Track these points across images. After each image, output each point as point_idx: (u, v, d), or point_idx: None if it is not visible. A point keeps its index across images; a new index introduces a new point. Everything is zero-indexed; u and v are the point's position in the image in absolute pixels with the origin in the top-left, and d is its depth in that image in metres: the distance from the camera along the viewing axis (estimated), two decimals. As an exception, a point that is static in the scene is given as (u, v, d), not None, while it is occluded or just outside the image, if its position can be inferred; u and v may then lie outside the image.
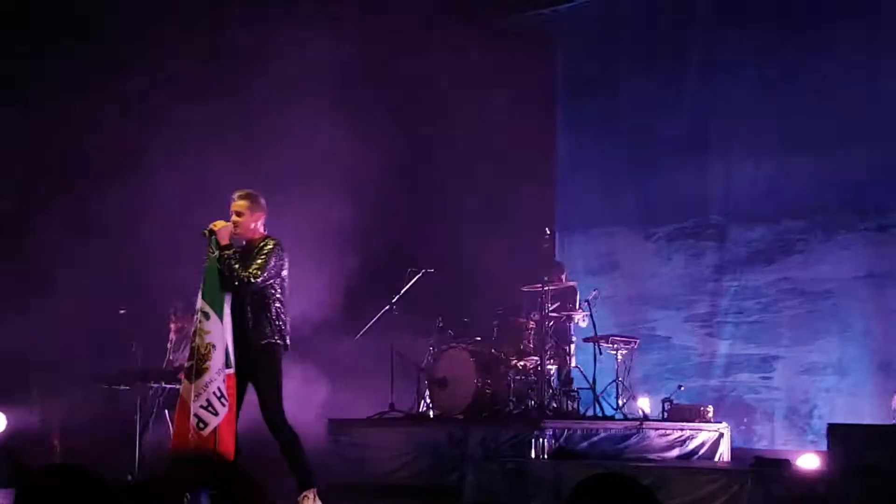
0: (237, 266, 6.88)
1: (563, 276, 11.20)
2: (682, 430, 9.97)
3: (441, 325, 10.85)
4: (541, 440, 8.91)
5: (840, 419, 10.06)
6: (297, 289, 7.37)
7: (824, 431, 8.48)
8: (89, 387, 10.23)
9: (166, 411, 10.02)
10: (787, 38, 11.96)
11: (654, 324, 12.49)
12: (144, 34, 11.94)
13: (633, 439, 9.64)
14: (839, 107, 11.47)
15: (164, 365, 10.86)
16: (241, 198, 7.17)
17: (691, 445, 9.95)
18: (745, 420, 11.61)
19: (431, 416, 10.52)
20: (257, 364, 7.03)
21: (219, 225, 7.00)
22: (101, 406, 10.18)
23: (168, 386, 9.72)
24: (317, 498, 7.01)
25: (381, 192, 12.74)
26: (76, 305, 11.33)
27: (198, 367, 6.76)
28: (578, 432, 9.38)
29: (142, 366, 10.69)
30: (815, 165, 11.60)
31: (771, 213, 11.90)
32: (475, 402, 10.09)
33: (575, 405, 10.56)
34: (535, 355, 10.36)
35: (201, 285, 6.91)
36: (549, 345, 10.44)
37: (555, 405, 10.30)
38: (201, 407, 6.68)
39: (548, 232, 11.09)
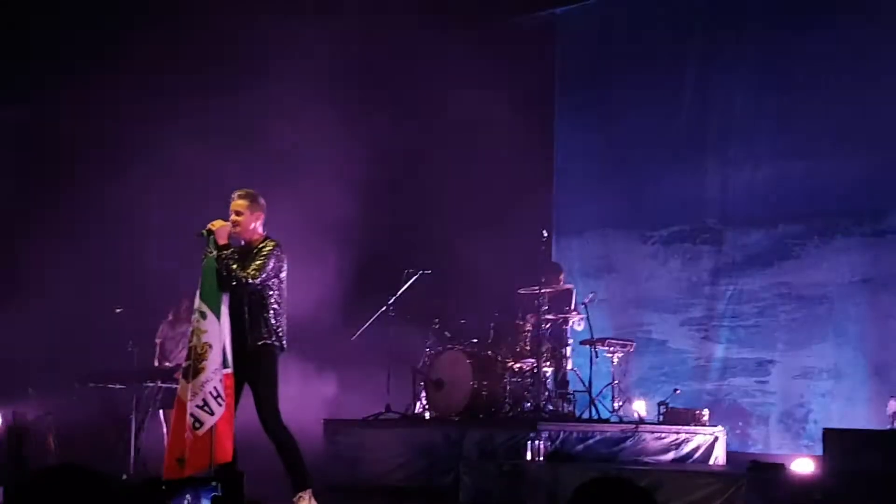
0: (235, 266, 6.88)
1: (561, 278, 11.20)
2: (677, 433, 9.98)
3: (437, 326, 10.85)
4: (536, 442, 8.90)
5: (835, 424, 10.09)
6: (295, 289, 7.36)
7: (819, 436, 8.53)
8: (85, 385, 10.23)
9: (162, 411, 10.04)
10: (785, 43, 11.98)
11: (650, 327, 12.50)
12: (141, 29, 11.97)
13: (629, 442, 9.65)
14: (836, 112, 11.48)
15: (156, 363, 10.87)
16: (240, 197, 7.17)
17: (687, 449, 9.96)
18: (741, 424, 11.62)
19: (427, 417, 10.52)
20: (254, 365, 7.03)
21: (217, 224, 6.99)
22: (96, 405, 10.17)
23: (164, 385, 9.72)
24: (312, 498, 7.00)
25: (378, 193, 12.75)
26: (72, 304, 11.34)
27: (195, 366, 6.75)
28: (574, 435, 9.38)
29: (138, 365, 10.70)
30: (812, 170, 11.61)
31: (768, 218, 11.91)
32: (471, 404, 10.10)
33: (571, 408, 10.57)
34: (532, 357, 10.36)
35: (199, 285, 6.91)
36: (546, 347, 10.44)
37: (551, 407, 10.30)
38: (197, 406, 6.67)
39: (545, 234, 11.11)
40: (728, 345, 11.99)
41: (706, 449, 10.07)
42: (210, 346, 6.76)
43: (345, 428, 10.15)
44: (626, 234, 12.91)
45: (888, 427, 9.68)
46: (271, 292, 7.07)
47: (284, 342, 7.15)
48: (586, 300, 10.88)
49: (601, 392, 10.60)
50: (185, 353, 7.24)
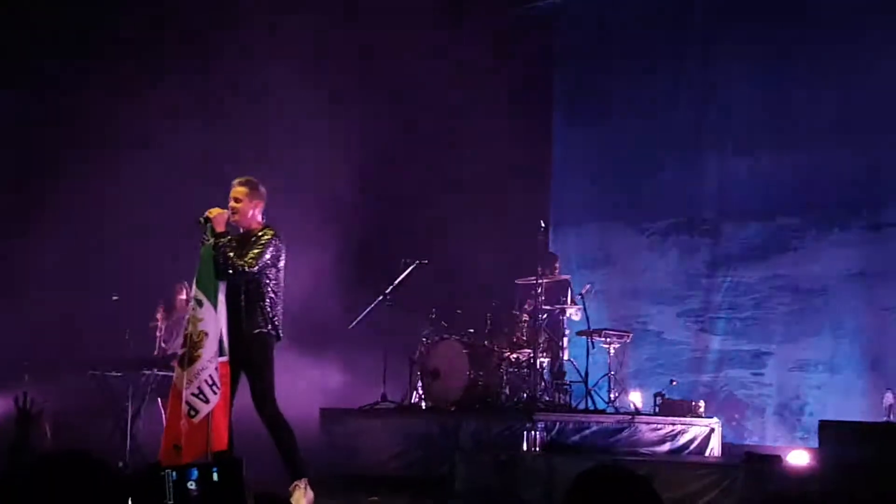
0: (232, 254, 6.87)
1: (556, 267, 11.20)
2: (673, 424, 9.99)
3: (434, 316, 10.84)
4: (532, 433, 8.92)
5: (831, 416, 10.09)
6: (292, 278, 7.36)
7: (815, 428, 8.54)
8: (82, 373, 10.22)
9: (158, 398, 10.03)
10: (783, 37, 11.97)
11: (646, 318, 12.51)
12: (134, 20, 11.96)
13: (625, 433, 9.66)
14: (834, 105, 11.50)
15: (156, 351, 10.87)
16: (240, 184, 7.15)
17: (682, 440, 9.97)
18: (737, 416, 11.64)
19: (423, 407, 10.52)
20: (249, 353, 7.02)
21: (215, 212, 6.98)
22: (93, 392, 10.16)
23: (160, 373, 9.71)
24: (308, 487, 7.00)
25: (377, 183, 12.75)
26: (69, 291, 11.33)
27: (190, 354, 6.75)
28: (570, 425, 9.39)
29: (135, 353, 10.69)
30: (810, 163, 11.62)
31: (765, 210, 11.92)
32: (467, 394, 10.10)
33: (567, 398, 10.57)
34: (528, 348, 10.36)
35: (196, 273, 6.90)
36: (543, 338, 10.45)
37: (547, 398, 10.30)
38: (193, 394, 6.67)
39: (542, 225, 11.10)
40: (724, 337, 12.00)
41: (702, 440, 10.09)
42: (206, 334, 6.75)
43: (341, 417, 10.15)
44: (624, 226, 12.91)
45: (884, 419, 9.69)
46: (268, 281, 7.06)
47: (280, 331, 7.15)
48: (583, 291, 10.88)
49: (597, 383, 10.60)
50: (181, 340, 7.22)
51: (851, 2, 11.65)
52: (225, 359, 6.83)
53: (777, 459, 8.26)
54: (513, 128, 12.79)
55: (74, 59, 12.02)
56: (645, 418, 10.03)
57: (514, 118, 12.86)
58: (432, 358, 10.47)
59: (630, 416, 9.95)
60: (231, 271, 6.87)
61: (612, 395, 10.61)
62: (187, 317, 6.97)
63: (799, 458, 8.99)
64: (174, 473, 3.59)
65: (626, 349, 11.14)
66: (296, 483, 6.96)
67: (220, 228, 6.92)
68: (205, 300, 6.82)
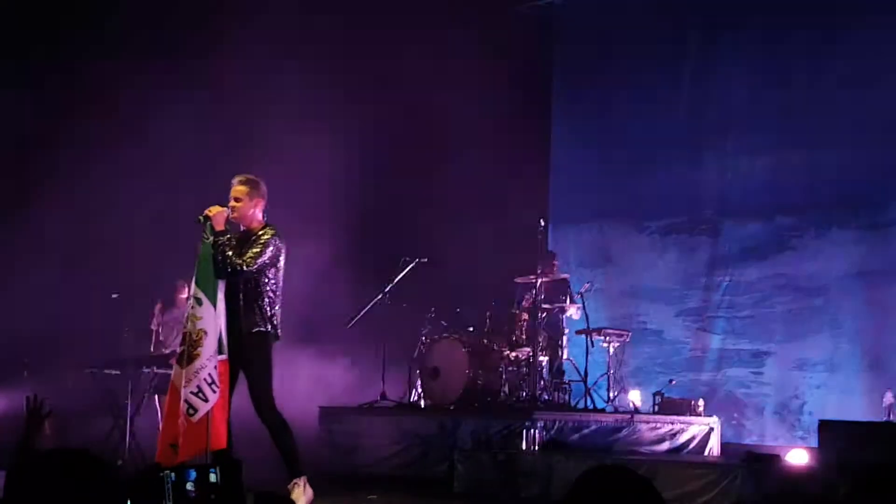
0: (230, 253, 6.85)
1: (555, 265, 11.20)
2: (672, 423, 9.99)
3: (433, 314, 10.84)
4: (532, 431, 8.92)
5: (830, 416, 10.09)
6: (291, 277, 7.35)
7: (814, 427, 8.56)
8: (80, 371, 10.22)
9: (157, 396, 10.02)
10: (783, 36, 11.97)
11: (646, 317, 12.50)
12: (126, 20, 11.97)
13: (624, 432, 9.66)
14: (834, 104, 11.49)
15: (152, 348, 10.86)
16: (241, 183, 7.13)
17: (682, 439, 9.97)
18: (736, 415, 11.64)
19: (423, 405, 10.52)
20: (248, 352, 7.01)
21: (214, 210, 6.96)
22: (92, 390, 10.16)
23: (159, 371, 9.71)
24: (307, 485, 7.00)
25: (375, 180, 12.74)
26: (68, 289, 11.32)
27: (189, 352, 6.74)
28: (569, 424, 9.39)
29: (134, 350, 10.69)
30: (809, 162, 11.61)
31: (765, 209, 11.91)
32: (466, 393, 10.10)
33: (566, 397, 10.58)
34: (528, 347, 10.36)
35: (195, 271, 6.89)
36: (542, 336, 10.44)
37: (546, 397, 10.31)
38: (192, 393, 6.65)
39: (541, 223, 11.10)
40: (724, 336, 12.00)
41: (701, 439, 10.08)
42: (205, 333, 6.74)
43: (340, 415, 10.14)
44: (623, 225, 12.90)
45: (883, 419, 9.69)
46: (267, 280, 7.05)
47: (279, 330, 7.13)
48: (582, 290, 10.88)
49: (597, 382, 10.60)
50: (179, 338, 7.21)
51: (850, 2, 11.64)
52: (224, 357, 6.82)
53: (776, 459, 8.26)
54: (512, 126, 12.79)
55: (68, 56, 12.01)
56: (644, 417, 10.03)
57: (514, 117, 12.86)
58: (432, 356, 10.47)
59: (629, 416, 9.95)
60: (230, 270, 6.86)
61: (611, 394, 10.60)
62: (186, 315, 6.95)
63: (798, 457, 8.99)
64: (173, 475, 3.59)
65: (625, 348, 11.13)
66: (295, 481, 6.95)
67: (219, 227, 6.91)
68: (204, 298, 6.81)
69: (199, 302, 6.81)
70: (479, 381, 10.20)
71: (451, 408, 10.02)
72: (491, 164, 12.49)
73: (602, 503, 2.74)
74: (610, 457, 8.79)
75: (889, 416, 9.74)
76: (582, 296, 10.83)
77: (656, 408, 10.45)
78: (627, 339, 11.14)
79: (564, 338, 11.00)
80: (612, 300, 12.58)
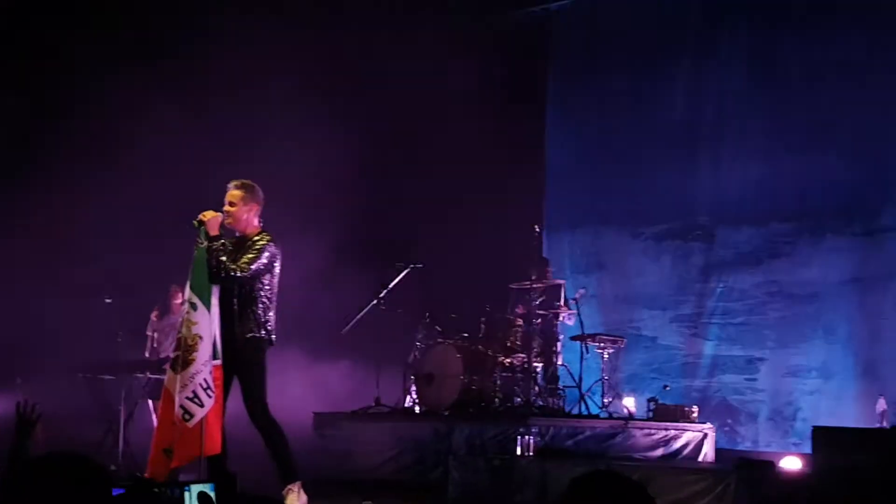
0: (225, 258, 6.85)
1: (548, 272, 11.21)
2: (666, 429, 9.98)
3: (428, 320, 10.84)
4: (526, 437, 8.91)
5: (824, 422, 10.11)
6: (285, 282, 7.34)
7: (808, 434, 8.55)
8: (74, 375, 10.20)
9: (150, 402, 10.01)
10: (778, 43, 12.00)
11: (640, 323, 12.51)
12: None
13: (618, 438, 9.66)
14: (828, 112, 11.51)
15: (147, 353, 10.85)
16: (236, 187, 7.12)
17: (676, 445, 9.96)
18: (730, 421, 11.64)
19: (417, 411, 10.52)
20: (242, 357, 7.00)
21: (208, 215, 6.95)
22: (85, 395, 10.14)
23: (153, 376, 9.70)
24: (301, 491, 6.99)
25: (370, 187, 12.74)
26: (61, 293, 11.31)
27: (184, 357, 6.73)
28: (564, 430, 9.39)
29: (127, 355, 10.68)
30: (804, 169, 11.64)
31: (759, 216, 11.93)
32: (461, 399, 10.10)
33: (561, 403, 10.58)
34: (522, 352, 10.36)
35: (189, 276, 6.88)
36: (536, 342, 10.44)
37: (541, 403, 10.31)
38: (187, 398, 6.64)
39: (536, 229, 11.12)
40: (718, 342, 12.01)
41: (695, 446, 10.08)
42: (200, 338, 6.73)
43: (334, 421, 10.14)
44: (618, 231, 12.91)
45: (877, 425, 9.70)
46: (262, 286, 7.04)
47: (273, 336, 7.13)
48: (577, 296, 10.88)
49: (591, 388, 10.60)
50: (174, 344, 7.20)
51: (847, 7, 11.67)
52: (218, 362, 6.82)
53: (770, 465, 8.27)
54: (506, 132, 12.79)
55: (63, 58, 12.00)
56: (638, 423, 10.03)
57: (508, 123, 12.87)
58: (426, 362, 10.47)
59: (623, 422, 9.95)
60: (224, 275, 6.85)
61: (605, 400, 10.61)
62: (181, 320, 6.95)
63: (792, 463, 9.01)
64: (169, 490, 3.55)
65: (619, 354, 11.15)
66: (289, 487, 6.95)
67: (213, 232, 6.90)
68: (199, 303, 6.80)
69: (193, 307, 6.80)
70: (473, 387, 10.20)
71: (446, 413, 10.01)
72: (486, 169, 12.49)
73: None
74: (604, 462, 8.79)
75: (882, 422, 9.75)
76: (576, 302, 10.83)
77: (650, 414, 10.45)
78: (622, 346, 11.15)
79: (559, 344, 11.00)
80: (606, 306, 12.59)
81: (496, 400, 10.15)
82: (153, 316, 11.21)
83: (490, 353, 10.36)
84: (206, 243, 6.86)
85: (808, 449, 8.59)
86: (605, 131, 13.15)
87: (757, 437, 11.57)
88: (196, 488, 3.44)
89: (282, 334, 7.31)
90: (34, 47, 12.01)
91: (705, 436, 10.18)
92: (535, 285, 10.48)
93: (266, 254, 6.99)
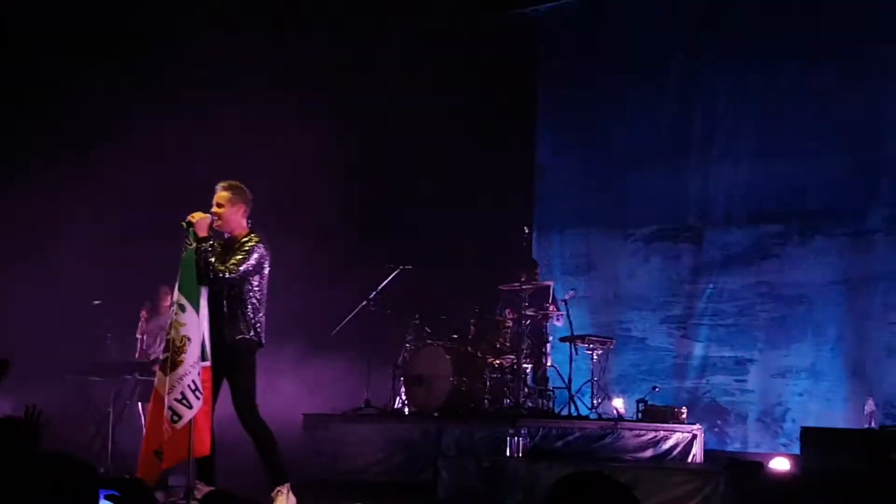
0: (213, 260, 6.84)
1: (537, 273, 11.22)
2: (656, 430, 10.00)
3: (418, 321, 10.83)
4: (516, 439, 8.91)
5: (813, 423, 10.13)
6: (274, 283, 7.33)
7: (797, 435, 8.57)
8: (63, 377, 10.17)
9: (140, 404, 9.99)
10: (767, 45, 12.01)
11: (629, 325, 12.51)
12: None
13: (608, 439, 9.67)
14: (817, 113, 11.53)
15: (136, 355, 10.83)
16: (224, 189, 7.12)
17: (665, 446, 9.98)
18: (719, 422, 11.65)
19: (407, 413, 10.51)
20: (231, 359, 7.00)
21: (197, 216, 6.94)
22: (74, 397, 10.12)
23: (142, 378, 9.68)
24: (290, 493, 6.98)
25: (359, 187, 12.73)
26: (50, 295, 11.27)
27: (173, 359, 6.73)
28: (553, 431, 9.40)
29: (116, 357, 10.65)
30: (793, 170, 11.65)
31: (748, 217, 11.94)
32: (451, 400, 10.10)
33: (550, 404, 10.57)
34: (512, 354, 10.36)
35: (178, 278, 6.87)
36: (526, 344, 10.44)
37: (530, 404, 10.30)
38: (175, 400, 6.64)
39: (526, 231, 11.12)
40: (707, 343, 12.01)
41: (684, 447, 10.10)
42: (189, 339, 6.74)
43: (324, 422, 10.12)
44: (607, 232, 12.90)
45: (865, 426, 9.72)
46: (251, 287, 7.04)
47: (263, 337, 7.12)
48: (566, 297, 10.88)
49: (580, 389, 10.61)
50: (163, 346, 7.20)
51: (834, 10, 11.70)
52: (207, 364, 6.81)
53: (759, 466, 8.29)
54: (497, 134, 12.80)
55: (51, 60, 11.97)
56: (628, 424, 10.05)
57: (498, 124, 12.88)
58: (416, 364, 10.47)
59: (613, 423, 9.97)
60: (212, 277, 6.85)
61: (595, 402, 10.61)
62: (169, 321, 6.94)
63: (781, 464, 9.03)
64: None
65: (608, 355, 11.15)
66: (278, 488, 6.94)
67: (202, 233, 6.90)
68: (187, 305, 6.80)
69: (182, 308, 6.80)
70: (463, 389, 10.20)
71: (436, 415, 10.01)
72: (476, 171, 12.49)
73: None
74: (594, 464, 8.80)
75: (871, 423, 9.77)
76: (566, 303, 10.83)
77: (640, 415, 10.46)
78: (611, 347, 11.16)
79: (548, 345, 11.00)
80: (595, 307, 12.59)
81: (486, 401, 10.15)
82: (142, 317, 11.18)
83: (479, 354, 10.36)
84: (194, 245, 6.86)
85: (797, 450, 8.62)
86: (595, 132, 13.14)
87: (746, 438, 11.58)
88: None
89: (271, 336, 7.30)
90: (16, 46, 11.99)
91: (694, 437, 10.20)
92: (524, 287, 10.47)
93: (255, 255, 6.98)
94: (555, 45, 13.68)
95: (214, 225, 7.02)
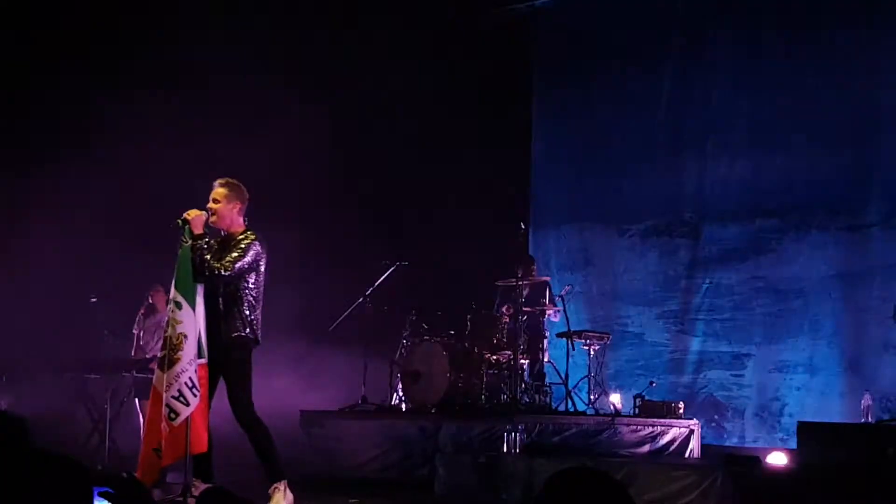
0: (209, 257, 6.83)
1: (533, 269, 11.22)
2: (653, 426, 10.00)
3: (415, 318, 10.84)
4: (513, 434, 8.92)
5: (810, 417, 10.13)
6: (271, 281, 7.32)
7: (794, 429, 8.57)
8: (59, 374, 10.17)
9: (137, 400, 9.99)
10: (762, 39, 12.02)
11: (626, 320, 12.52)
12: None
13: (605, 434, 9.67)
14: (813, 108, 11.53)
15: (133, 352, 10.82)
16: (220, 185, 7.10)
17: (662, 441, 9.98)
18: (716, 417, 11.67)
19: (404, 409, 10.51)
20: (227, 356, 6.99)
21: (193, 214, 6.93)
22: (70, 394, 10.11)
23: (139, 375, 9.67)
24: (287, 489, 6.98)
25: (356, 184, 12.73)
26: (47, 292, 11.27)
27: (170, 356, 6.73)
28: (550, 427, 9.40)
29: (113, 354, 10.65)
30: (788, 165, 11.66)
31: (744, 212, 11.95)
32: (448, 396, 10.09)
33: (547, 400, 10.58)
34: (509, 350, 10.36)
35: (174, 275, 6.87)
36: (523, 339, 10.44)
37: (527, 400, 10.31)
38: (173, 397, 6.65)
39: (522, 226, 11.12)
40: (704, 338, 12.03)
41: (681, 442, 10.10)
42: (185, 337, 6.73)
43: (321, 419, 10.12)
44: (604, 228, 12.91)
45: (861, 420, 9.73)
46: (247, 285, 7.02)
47: (259, 334, 7.10)
48: (563, 293, 10.89)
49: (577, 384, 10.62)
50: (160, 343, 7.19)
51: (829, 5, 11.70)
52: (203, 361, 6.81)
53: (756, 461, 8.29)
54: (492, 128, 12.80)
55: (56, 59, 11.97)
56: (625, 420, 10.05)
57: (493, 120, 12.88)
58: (413, 360, 10.46)
59: (610, 418, 9.96)
60: (208, 274, 6.84)
61: (591, 397, 10.62)
62: (166, 319, 6.94)
63: (778, 459, 9.03)
64: None
65: (605, 351, 11.15)
66: (275, 485, 6.93)
67: (197, 230, 6.88)
68: (184, 302, 6.80)
69: (178, 306, 6.79)
70: (459, 385, 10.20)
71: (433, 411, 10.01)
72: (472, 167, 12.49)
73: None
74: (591, 459, 8.80)
75: (868, 417, 9.78)
76: (562, 298, 10.84)
77: (637, 410, 10.46)
78: (608, 342, 11.16)
79: (545, 341, 11.01)
80: (592, 303, 12.60)
81: (483, 397, 10.15)
82: (140, 314, 11.17)
83: (476, 350, 10.36)
84: (190, 242, 6.85)
85: (794, 444, 8.62)
86: (591, 128, 13.15)
87: (743, 433, 11.60)
88: None
89: (268, 332, 7.29)
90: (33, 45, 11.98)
91: (691, 432, 10.20)
92: (521, 282, 10.47)
93: (251, 252, 6.96)
94: (551, 40, 13.68)
95: (210, 221, 7.01)
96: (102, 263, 11.48)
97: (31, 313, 11.14)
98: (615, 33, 13.03)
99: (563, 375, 10.52)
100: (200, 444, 6.76)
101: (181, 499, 6.76)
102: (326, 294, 11.64)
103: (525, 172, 13.50)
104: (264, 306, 7.19)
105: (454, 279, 11.68)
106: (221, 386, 7.06)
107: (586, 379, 10.71)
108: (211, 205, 7.05)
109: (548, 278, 11.35)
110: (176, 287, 6.82)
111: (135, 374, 9.78)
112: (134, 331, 11.07)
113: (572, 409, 10.32)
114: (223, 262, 6.86)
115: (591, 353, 10.81)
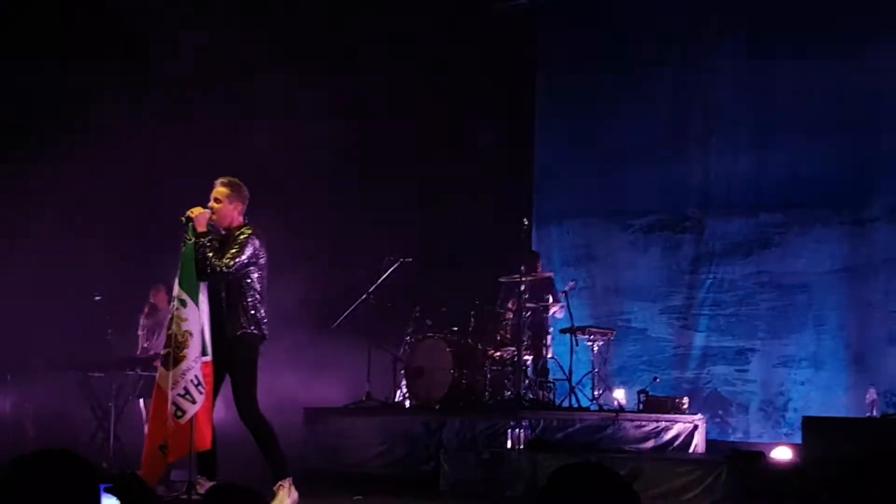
0: (211, 255, 6.83)
1: (538, 265, 11.20)
2: (657, 421, 10.00)
3: (418, 314, 10.83)
4: (517, 430, 8.92)
5: (814, 412, 10.13)
6: (274, 277, 7.32)
7: (799, 424, 8.57)
8: (64, 372, 10.18)
9: (141, 399, 10.00)
10: (767, 34, 11.99)
11: (630, 315, 12.50)
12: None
13: (609, 430, 9.67)
14: (817, 102, 11.51)
15: (138, 351, 10.84)
16: (222, 184, 7.11)
17: (666, 437, 9.98)
18: (720, 412, 11.65)
19: (407, 405, 10.52)
20: (232, 353, 6.99)
21: (196, 212, 6.94)
22: (75, 392, 10.12)
23: (144, 373, 9.68)
24: (292, 487, 6.98)
25: (359, 180, 12.72)
26: (51, 290, 11.28)
27: (175, 354, 6.73)
28: (554, 423, 9.40)
29: (117, 352, 10.66)
30: (793, 160, 11.64)
31: (748, 207, 11.93)
32: (451, 392, 10.09)
33: (551, 396, 10.58)
34: (512, 346, 10.36)
35: (178, 272, 6.87)
36: (526, 335, 10.44)
37: (531, 396, 10.31)
38: (179, 395, 6.65)
39: (525, 222, 11.11)
40: (708, 333, 12.01)
41: (686, 437, 10.10)
42: (191, 334, 6.74)
43: (325, 416, 10.13)
44: (607, 223, 12.89)
45: (866, 415, 9.73)
46: (250, 280, 7.02)
47: (265, 330, 7.08)
48: (566, 288, 10.88)
49: (581, 380, 10.61)
50: (161, 341, 7.19)
51: (832, 2, 11.68)
52: (208, 358, 6.81)
53: (761, 455, 8.29)
54: (495, 124, 12.79)
55: (56, 59, 11.96)
56: (629, 415, 10.05)
57: (497, 115, 12.86)
58: (416, 356, 10.46)
59: (614, 414, 9.97)
60: (210, 272, 6.84)
61: (595, 393, 10.61)
62: (170, 317, 6.94)
63: (782, 454, 9.03)
64: None
65: (609, 346, 11.14)
66: (280, 483, 6.93)
67: (201, 228, 6.89)
68: (188, 300, 6.80)
69: (182, 303, 6.80)
70: (463, 381, 10.20)
71: (436, 407, 10.02)
72: (475, 163, 12.48)
73: (573, 500, 2.74)
74: (595, 455, 8.80)
75: (872, 412, 9.77)
76: (566, 294, 10.82)
77: (641, 406, 10.46)
78: (612, 338, 11.15)
79: (549, 337, 11.00)
80: (596, 298, 12.59)
81: (486, 393, 10.16)
82: (144, 313, 11.18)
83: (480, 346, 10.36)
84: (193, 239, 6.85)
85: (799, 439, 8.62)
86: (594, 123, 13.12)
87: (748, 428, 11.58)
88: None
89: (271, 328, 7.29)
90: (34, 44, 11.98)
91: (696, 427, 10.20)
92: (524, 278, 10.46)
93: (249, 248, 6.96)
94: (553, 35, 13.65)
95: (210, 219, 7.02)
96: (106, 261, 11.48)
97: (34, 312, 11.15)
98: (618, 27, 13.01)
99: (566, 371, 10.51)
100: (204, 441, 6.76)
101: (186, 496, 6.77)
102: (330, 291, 11.64)
103: (528, 168, 13.48)
104: (268, 302, 7.19)
105: (458, 275, 11.67)
106: (226, 383, 7.06)
107: (590, 375, 10.70)
108: (212, 204, 7.06)
109: (551, 274, 11.33)
110: (180, 285, 6.83)
111: (140, 372, 9.78)
112: (138, 331, 11.08)
113: (576, 405, 10.32)
114: (223, 258, 6.86)
115: (595, 348, 10.81)
